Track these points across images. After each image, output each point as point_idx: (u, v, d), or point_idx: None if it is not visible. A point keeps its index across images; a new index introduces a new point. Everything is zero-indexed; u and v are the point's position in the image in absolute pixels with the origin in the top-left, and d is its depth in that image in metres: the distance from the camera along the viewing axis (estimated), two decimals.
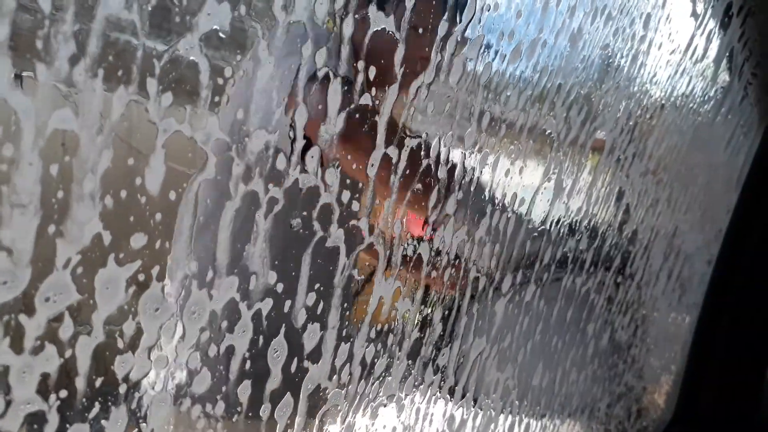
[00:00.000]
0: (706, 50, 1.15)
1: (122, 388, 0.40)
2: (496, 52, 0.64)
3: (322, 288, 0.55)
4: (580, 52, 0.77)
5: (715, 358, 1.75)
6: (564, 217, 0.89)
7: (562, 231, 0.89)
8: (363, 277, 0.60)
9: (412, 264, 0.63)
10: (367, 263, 0.60)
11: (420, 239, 0.64)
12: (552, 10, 0.68)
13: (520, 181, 0.75)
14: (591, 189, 0.94)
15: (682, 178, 1.26)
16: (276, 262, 0.50)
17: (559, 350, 1.02)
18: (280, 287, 0.50)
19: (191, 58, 0.38)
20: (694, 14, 1.06)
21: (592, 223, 0.98)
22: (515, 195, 0.76)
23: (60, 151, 0.34)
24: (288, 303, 0.52)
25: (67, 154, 0.35)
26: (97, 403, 0.40)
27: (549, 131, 0.78)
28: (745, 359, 1.76)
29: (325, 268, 0.55)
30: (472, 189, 0.67)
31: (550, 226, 0.86)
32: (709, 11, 1.09)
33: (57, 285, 0.34)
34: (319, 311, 0.55)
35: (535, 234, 0.83)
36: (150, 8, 0.36)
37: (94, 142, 0.35)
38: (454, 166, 0.64)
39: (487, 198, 0.71)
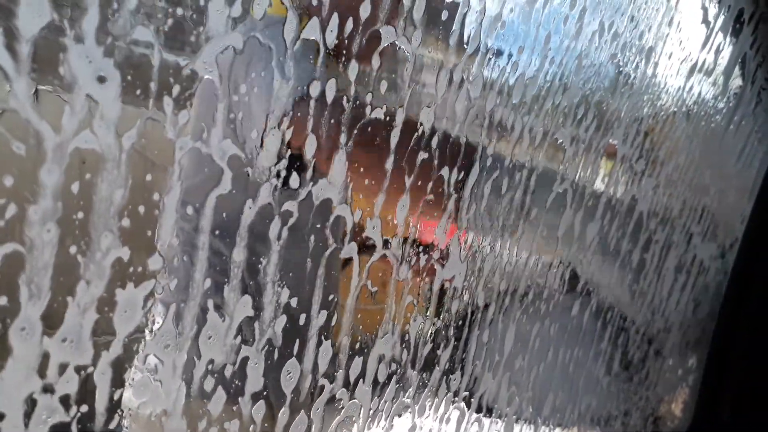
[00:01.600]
0: (717, 58, 1.14)
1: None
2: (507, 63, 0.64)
3: (335, 299, 0.55)
4: (588, 66, 0.77)
5: (732, 367, 1.73)
6: (577, 227, 0.89)
7: (575, 241, 0.89)
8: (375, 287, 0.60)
9: (423, 274, 0.63)
10: (380, 274, 0.60)
11: (431, 247, 0.64)
12: (560, 27, 0.68)
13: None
14: (602, 198, 0.94)
15: (695, 188, 1.25)
16: (290, 275, 0.50)
17: (574, 361, 1.01)
18: (294, 302, 0.50)
19: (207, 77, 0.39)
20: (705, 22, 1.05)
21: (603, 235, 0.98)
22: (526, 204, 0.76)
23: (81, 170, 0.35)
24: (303, 317, 0.52)
25: (88, 172, 0.35)
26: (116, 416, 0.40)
27: (561, 141, 0.78)
28: (762, 368, 1.74)
29: (336, 280, 0.56)
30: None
31: (562, 235, 0.86)
32: (720, 19, 1.09)
33: (73, 331, 0.34)
34: (333, 323, 0.55)
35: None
36: (167, 28, 0.37)
37: (115, 161, 0.35)
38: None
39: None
